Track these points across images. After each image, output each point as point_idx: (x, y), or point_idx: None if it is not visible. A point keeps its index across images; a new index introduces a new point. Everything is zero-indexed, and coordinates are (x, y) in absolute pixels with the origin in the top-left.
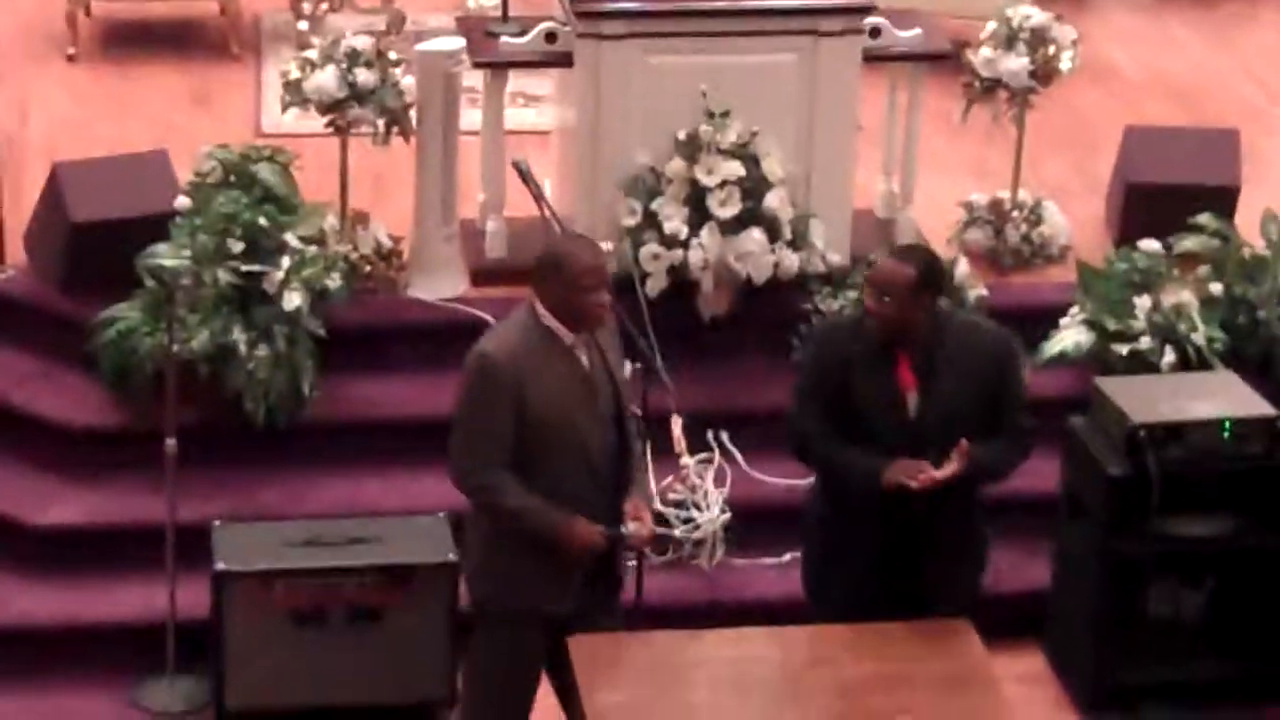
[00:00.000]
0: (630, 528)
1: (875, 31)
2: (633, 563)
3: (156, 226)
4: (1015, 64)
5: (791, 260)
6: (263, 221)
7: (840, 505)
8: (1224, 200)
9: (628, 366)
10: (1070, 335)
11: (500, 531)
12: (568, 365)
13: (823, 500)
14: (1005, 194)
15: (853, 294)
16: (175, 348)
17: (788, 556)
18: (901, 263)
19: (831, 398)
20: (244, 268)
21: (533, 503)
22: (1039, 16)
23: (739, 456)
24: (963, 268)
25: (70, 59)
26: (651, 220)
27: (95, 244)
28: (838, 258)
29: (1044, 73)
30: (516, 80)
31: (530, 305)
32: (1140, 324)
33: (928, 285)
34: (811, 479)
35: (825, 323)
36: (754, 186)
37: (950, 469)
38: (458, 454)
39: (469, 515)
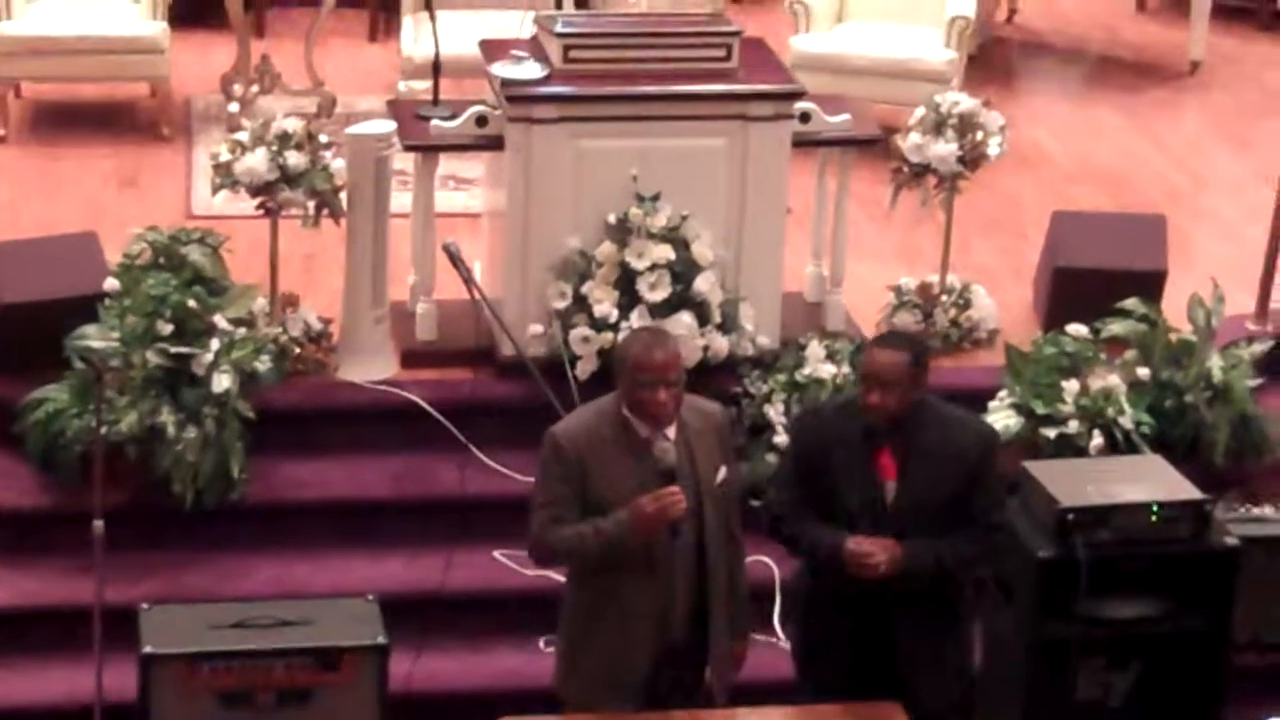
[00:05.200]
0: (709, 672)
1: (805, 116)
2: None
3: (85, 308)
4: (943, 149)
5: (721, 344)
6: (192, 303)
7: (820, 585)
8: (1151, 285)
9: (723, 471)
10: (999, 419)
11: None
12: (638, 458)
13: (807, 582)
14: (934, 278)
15: (781, 377)
16: (103, 429)
17: None
18: (897, 350)
19: (811, 483)
20: (173, 349)
21: (589, 526)
22: (967, 102)
23: None
24: None
25: None
26: (582, 303)
27: (23, 325)
28: (767, 341)
29: (972, 158)
30: (447, 163)
31: (617, 393)
32: (1068, 408)
33: (922, 369)
34: (797, 562)
35: (807, 409)
36: (684, 270)
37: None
38: (532, 531)
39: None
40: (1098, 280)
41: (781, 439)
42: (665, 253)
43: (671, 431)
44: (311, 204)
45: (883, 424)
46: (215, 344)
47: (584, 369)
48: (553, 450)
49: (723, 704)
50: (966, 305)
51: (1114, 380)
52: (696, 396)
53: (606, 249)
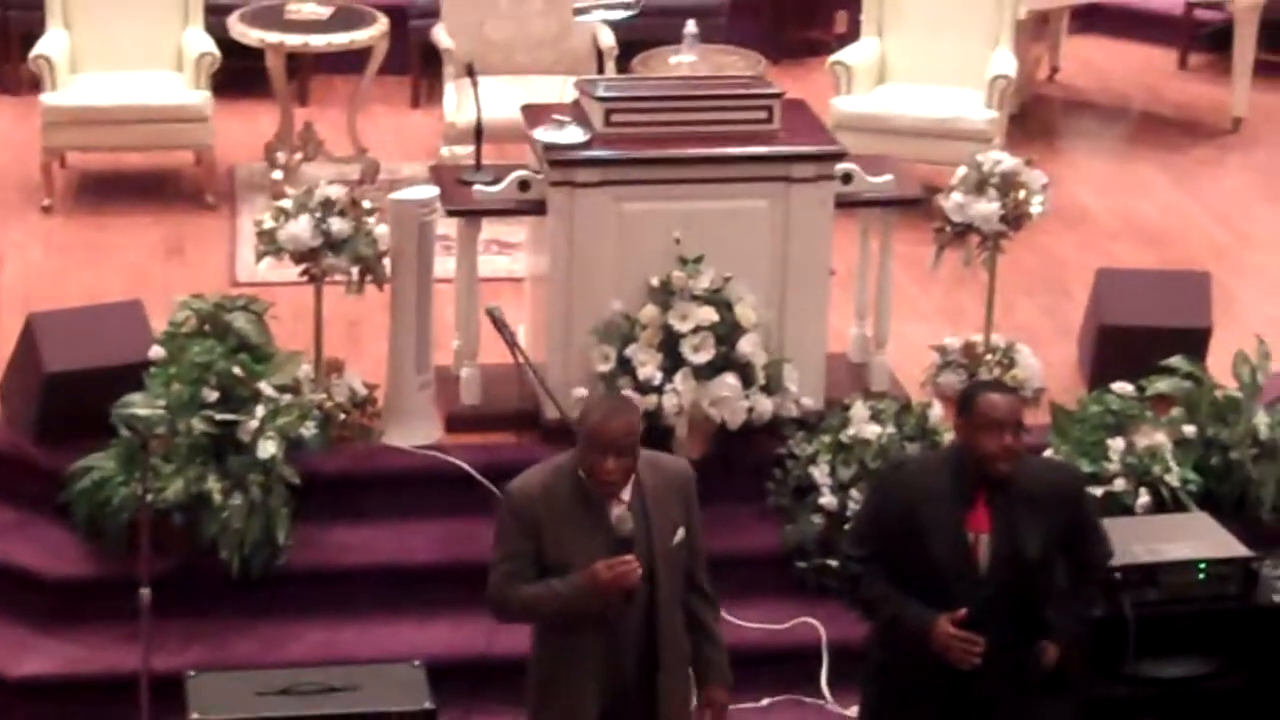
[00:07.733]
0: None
1: (847, 177)
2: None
3: (131, 376)
4: (986, 208)
5: (766, 405)
6: (237, 370)
7: (899, 650)
8: (1196, 342)
9: (680, 533)
10: None
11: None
12: (592, 516)
13: (880, 645)
14: (978, 337)
15: (826, 438)
16: (149, 497)
17: (765, 701)
18: (1010, 393)
19: (892, 540)
20: (218, 417)
21: (544, 586)
22: (1009, 161)
23: None
24: (936, 411)
25: (45, 210)
26: (625, 366)
27: (69, 394)
28: (811, 402)
29: (1015, 217)
30: (490, 228)
31: (573, 453)
32: (1114, 466)
33: None
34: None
35: (891, 463)
36: (727, 332)
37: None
38: (489, 589)
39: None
40: (1143, 338)
41: (827, 500)
42: (709, 315)
43: (627, 493)
44: (355, 270)
45: (1008, 471)
46: (260, 410)
47: None
48: (509, 507)
49: None
50: (1011, 364)
51: (1160, 438)
52: (662, 454)
53: (650, 312)
